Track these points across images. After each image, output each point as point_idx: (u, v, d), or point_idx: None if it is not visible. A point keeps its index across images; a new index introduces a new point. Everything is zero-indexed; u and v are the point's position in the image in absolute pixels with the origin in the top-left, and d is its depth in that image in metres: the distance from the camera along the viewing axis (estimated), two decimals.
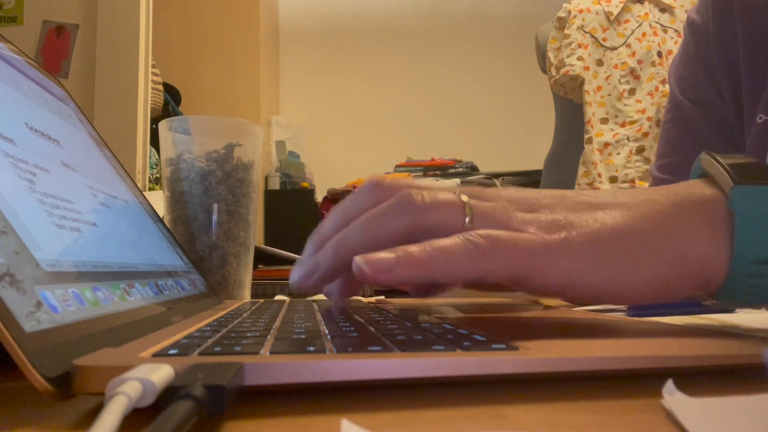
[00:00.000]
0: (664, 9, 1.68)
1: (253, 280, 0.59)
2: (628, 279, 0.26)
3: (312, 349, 0.20)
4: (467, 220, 0.26)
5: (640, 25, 1.67)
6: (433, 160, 2.26)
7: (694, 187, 0.29)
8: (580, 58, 1.67)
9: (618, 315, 0.44)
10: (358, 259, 0.25)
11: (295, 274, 0.29)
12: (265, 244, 0.80)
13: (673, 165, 0.61)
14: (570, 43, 1.68)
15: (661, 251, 0.26)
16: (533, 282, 0.26)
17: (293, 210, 2.33)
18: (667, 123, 0.63)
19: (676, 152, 0.61)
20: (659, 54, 1.64)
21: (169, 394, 0.15)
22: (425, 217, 0.26)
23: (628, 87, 1.66)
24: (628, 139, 1.63)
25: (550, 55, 1.73)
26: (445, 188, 0.29)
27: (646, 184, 1.42)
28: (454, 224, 0.26)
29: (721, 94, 0.57)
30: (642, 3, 1.69)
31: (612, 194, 0.29)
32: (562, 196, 0.29)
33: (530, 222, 0.27)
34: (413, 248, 0.25)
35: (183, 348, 0.20)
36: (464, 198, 0.27)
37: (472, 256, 0.25)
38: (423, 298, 0.43)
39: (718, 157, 0.29)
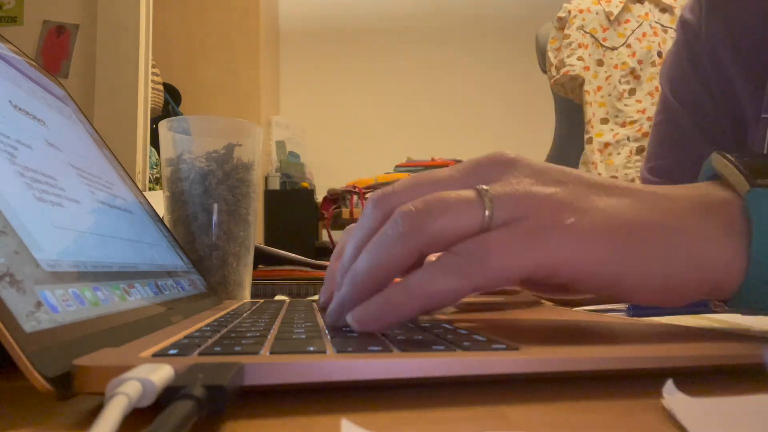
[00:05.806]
0: (665, 9, 1.68)
1: (253, 280, 0.59)
2: (640, 274, 0.25)
3: (312, 349, 0.20)
4: (487, 213, 0.24)
5: (641, 25, 1.67)
6: (433, 160, 2.26)
7: (708, 189, 0.27)
8: (580, 58, 1.67)
9: (618, 315, 0.44)
10: (348, 318, 0.25)
11: (329, 318, 0.28)
12: (265, 244, 0.80)
13: (662, 168, 0.60)
14: (570, 43, 1.68)
15: (675, 250, 0.25)
16: (542, 273, 0.24)
17: (293, 210, 2.33)
18: (657, 125, 0.62)
19: (665, 155, 0.61)
20: (659, 54, 1.64)
21: (169, 394, 0.15)
22: (431, 227, 0.24)
23: (628, 87, 1.66)
24: (628, 139, 1.63)
25: (550, 55, 1.73)
26: (454, 175, 0.26)
27: None
28: (469, 222, 0.24)
29: (711, 94, 0.56)
30: (642, 3, 1.69)
31: (628, 184, 0.27)
32: (579, 175, 0.27)
33: (547, 198, 0.25)
34: (392, 290, 0.24)
35: (183, 348, 0.20)
36: (482, 188, 0.25)
37: (456, 278, 0.24)
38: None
39: (730, 157, 0.27)
